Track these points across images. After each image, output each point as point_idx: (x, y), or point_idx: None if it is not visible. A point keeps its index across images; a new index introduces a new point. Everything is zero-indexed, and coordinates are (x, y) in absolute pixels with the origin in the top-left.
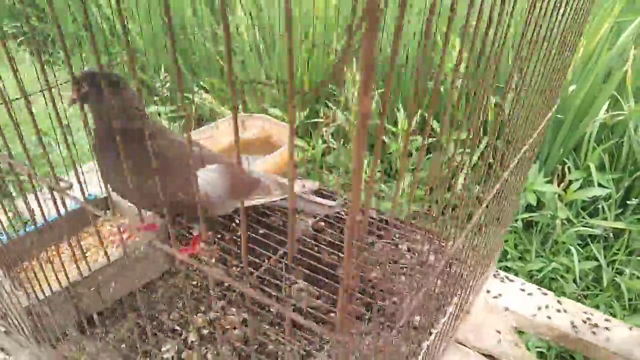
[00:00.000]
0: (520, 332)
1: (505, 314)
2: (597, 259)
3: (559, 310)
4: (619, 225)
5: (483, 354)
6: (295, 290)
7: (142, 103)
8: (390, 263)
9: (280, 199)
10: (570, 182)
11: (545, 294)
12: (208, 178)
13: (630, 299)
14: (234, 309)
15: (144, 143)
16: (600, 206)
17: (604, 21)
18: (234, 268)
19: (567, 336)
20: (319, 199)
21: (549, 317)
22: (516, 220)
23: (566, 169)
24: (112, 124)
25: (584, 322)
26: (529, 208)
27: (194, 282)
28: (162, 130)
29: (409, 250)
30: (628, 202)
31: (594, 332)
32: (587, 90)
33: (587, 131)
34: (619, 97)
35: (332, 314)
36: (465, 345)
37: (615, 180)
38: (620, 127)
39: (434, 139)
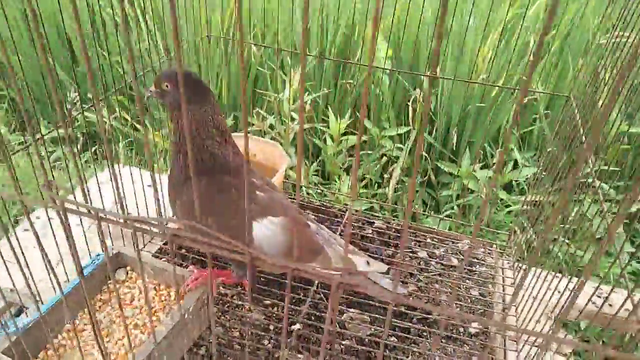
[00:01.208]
0: None
1: None
2: None
3: None
4: (538, 198)
5: None
6: (348, 319)
7: (224, 123)
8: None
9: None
10: (493, 164)
11: None
12: (266, 231)
13: None
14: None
15: (213, 172)
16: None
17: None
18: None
19: None
20: (385, 282)
21: None
22: (452, 207)
23: (488, 154)
24: (185, 140)
25: None
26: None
27: (235, 334)
28: (237, 164)
29: (430, 257)
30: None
31: None
32: (502, 81)
33: (504, 117)
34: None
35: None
36: None
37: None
38: (534, 109)
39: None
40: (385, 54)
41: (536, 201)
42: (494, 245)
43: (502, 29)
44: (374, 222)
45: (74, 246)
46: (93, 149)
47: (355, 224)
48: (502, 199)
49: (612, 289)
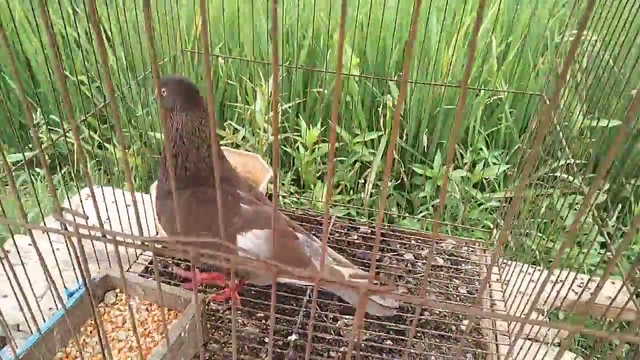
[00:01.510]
0: None
1: None
2: None
3: None
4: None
5: None
6: (343, 326)
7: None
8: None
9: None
10: (465, 164)
11: None
12: (250, 244)
13: None
14: None
15: (197, 183)
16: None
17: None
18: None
19: None
20: (377, 299)
21: None
22: (427, 209)
23: (458, 154)
24: (177, 145)
25: None
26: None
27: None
28: (227, 176)
29: (416, 258)
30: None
31: None
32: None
33: (472, 118)
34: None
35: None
36: None
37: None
38: (499, 109)
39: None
40: (351, 60)
41: (509, 198)
42: (477, 243)
43: (465, 32)
44: (359, 228)
45: (51, 280)
46: (62, 171)
47: (341, 231)
48: (474, 198)
49: (589, 279)
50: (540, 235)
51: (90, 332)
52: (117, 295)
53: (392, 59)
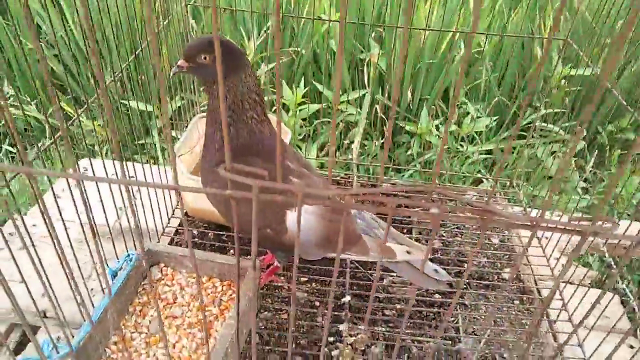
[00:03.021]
0: None
1: None
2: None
3: None
4: (491, 146)
5: None
6: (391, 283)
7: (260, 90)
8: None
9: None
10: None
11: None
12: (302, 220)
13: None
14: None
15: (245, 153)
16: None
17: None
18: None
19: None
20: (429, 272)
21: None
22: (416, 165)
23: (438, 108)
24: (220, 115)
25: None
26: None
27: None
28: (270, 144)
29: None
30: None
31: None
32: (449, 37)
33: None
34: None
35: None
36: None
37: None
38: (478, 62)
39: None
40: (329, 14)
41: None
42: (497, 193)
43: None
44: (379, 185)
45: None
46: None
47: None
48: (460, 151)
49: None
50: (525, 184)
51: (140, 311)
52: (162, 271)
53: (374, 12)
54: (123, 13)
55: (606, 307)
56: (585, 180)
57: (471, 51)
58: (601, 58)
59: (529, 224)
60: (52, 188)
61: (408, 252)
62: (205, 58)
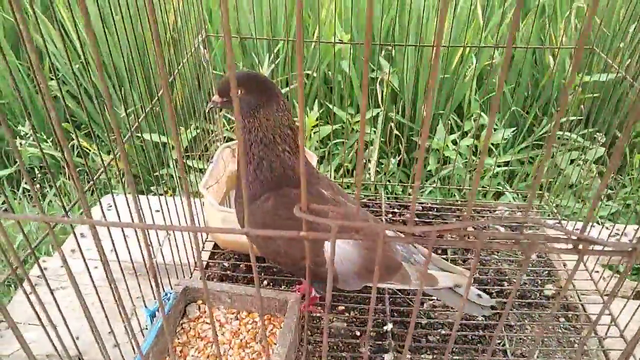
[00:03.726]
0: None
1: None
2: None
3: None
4: (509, 158)
5: None
6: (431, 308)
7: (293, 122)
8: None
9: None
10: (467, 132)
11: None
12: (340, 251)
13: None
14: None
15: (280, 184)
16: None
17: None
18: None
19: None
20: (473, 298)
21: None
22: (434, 181)
23: (452, 122)
24: (252, 147)
25: None
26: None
27: None
28: (309, 174)
29: (475, 228)
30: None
31: None
32: (461, 52)
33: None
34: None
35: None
36: None
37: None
38: (491, 75)
39: (339, 125)
40: (340, 36)
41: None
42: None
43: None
44: (409, 206)
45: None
46: (58, 183)
47: (394, 211)
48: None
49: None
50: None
51: (181, 351)
52: (199, 308)
53: (382, 32)
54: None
55: None
56: (607, 187)
57: (482, 64)
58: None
59: (629, 250)
60: (73, 232)
61: (454, 285)
62: (241, 91)
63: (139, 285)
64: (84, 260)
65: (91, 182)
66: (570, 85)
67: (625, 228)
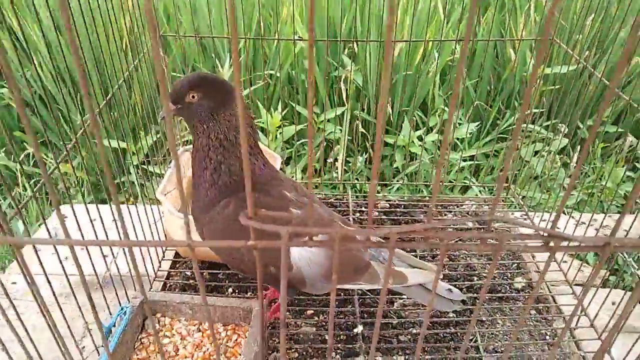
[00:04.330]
0: None
1: None
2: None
3: None
4: (474, 152)
5: None
6: (402, 307)
7: (253, 122)
8: None
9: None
10: (432, 127)
11: None
12: (307, 254)
13: None
14: None
15: (239, 189)
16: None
17: None
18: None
19: None
20: (443, 293)
21: None
22: (401, 177)
23: (418, 118)
24: (210, 151)
25: None
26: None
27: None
28: (270, 176)
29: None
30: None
31: None
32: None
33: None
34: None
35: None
36: None
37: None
38: (453, 70)
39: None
40: (301, 34)
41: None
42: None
43: None
44: (377, 204)
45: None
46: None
47: (362, 210)
48: (447, 159)
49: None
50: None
51: None
52: (159, 321)
53: (343, 29)
54: (89, 54)
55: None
56: (570, 176)
57: (445, 59)
58: (581, 54)
59: (601, 245)
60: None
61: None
62: (193, 97)
63: (105, 298)
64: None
65: (29, 196)
66: (534, 79)
67: (592, 217)
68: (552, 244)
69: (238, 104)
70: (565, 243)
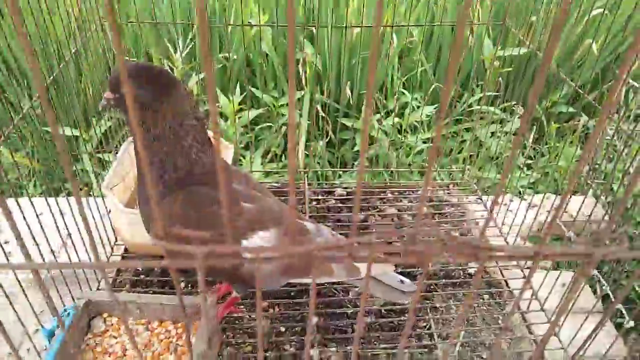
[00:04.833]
0: None
1: None
2: None
3: None
4: (433, 134)
5: None
6: (357, 296)
7: (199, 111)
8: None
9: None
10: (390, 112)
11: None
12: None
13: None
14: None
15: (188, 182)
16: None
17: None
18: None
19: None
20: (395, 284)
21: None
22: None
23: (377, 102)
24: (154, 144)
25: None
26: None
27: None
28: (217, 167)
29: (399, 210)
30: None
31: None
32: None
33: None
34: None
35: None
36: None
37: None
38: (412, 53)
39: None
40: (259, 17)
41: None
42: (451, 185)
43: None
44: (334, 191)
45: None
46: None
47: (318, 197)
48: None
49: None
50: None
51: None
52: (105, 321)
53: (300, 12)
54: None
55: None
56: (526, 157)
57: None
58: (531, 37)
59: (531, 254)
60: None
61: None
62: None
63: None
64: None
65: None
66: (492, 66)
67: (543, 198)
68: (480, 255)
69: (212, 118)
70: (494, 253)
